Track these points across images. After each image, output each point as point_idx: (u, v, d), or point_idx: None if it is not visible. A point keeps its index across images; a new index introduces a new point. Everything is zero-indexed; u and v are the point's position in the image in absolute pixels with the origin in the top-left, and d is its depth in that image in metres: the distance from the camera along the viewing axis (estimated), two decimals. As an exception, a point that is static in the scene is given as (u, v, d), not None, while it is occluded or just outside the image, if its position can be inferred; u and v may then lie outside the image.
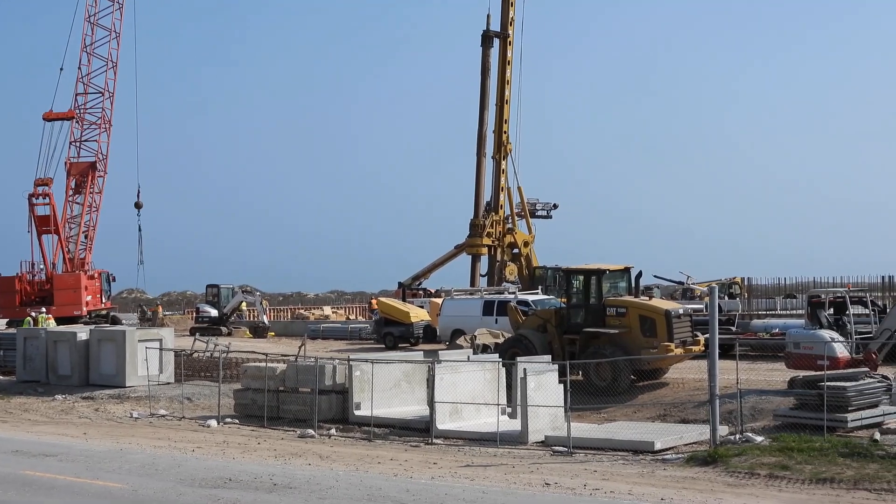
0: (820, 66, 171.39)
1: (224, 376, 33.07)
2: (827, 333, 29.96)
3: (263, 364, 31.77)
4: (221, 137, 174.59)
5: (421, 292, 66.34)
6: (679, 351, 32.28)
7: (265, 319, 64.03)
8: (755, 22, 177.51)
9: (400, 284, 69.16)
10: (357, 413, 29.08)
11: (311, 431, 27.88)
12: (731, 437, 23.83)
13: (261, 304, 65.80)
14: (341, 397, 29.73)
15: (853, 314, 34.11)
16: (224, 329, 61.80)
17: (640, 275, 35.56)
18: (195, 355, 41.20)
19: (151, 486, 19.92)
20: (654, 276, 64.89)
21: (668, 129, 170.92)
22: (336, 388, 29.79)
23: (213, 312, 64.16)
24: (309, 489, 19.38)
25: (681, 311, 33.64)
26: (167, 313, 76.85)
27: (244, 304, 66.09)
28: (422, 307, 54.68)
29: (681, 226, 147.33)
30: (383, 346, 50.09)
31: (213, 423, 29.88)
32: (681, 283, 65.49)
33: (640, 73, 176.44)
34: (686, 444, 23.80)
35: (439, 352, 33.45)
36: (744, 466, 20.83)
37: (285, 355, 35.28)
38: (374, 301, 65.27)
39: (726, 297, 54.95)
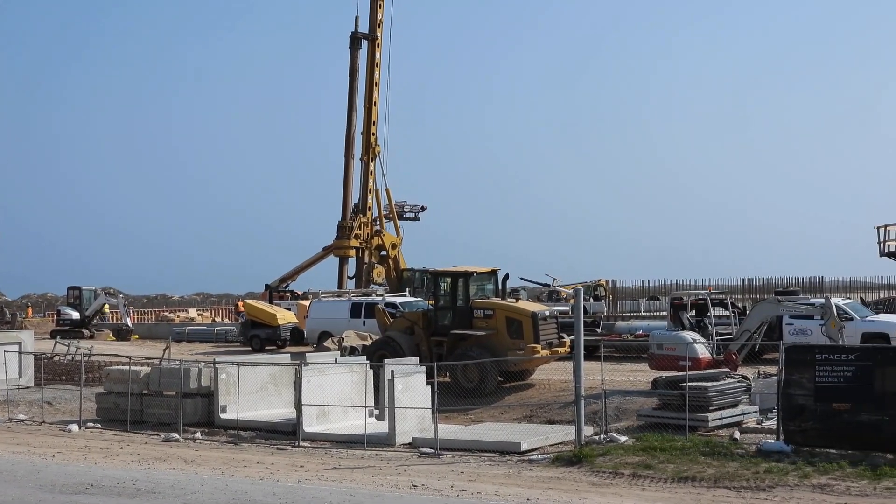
0: (700, 69, 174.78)
1: (86, 380, 32.44)
2: (689, 335, 30.53)
3: (127, 367, 31.21)
4: (82, 137, 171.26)
5: (288, 294, 65.99)
6: (545, 352, 32.59)
7: (129, 322, 62.95)
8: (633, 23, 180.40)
9: (267, 286, 68.62)
10: (223, 416, 28.75)
11: (175, 435, 27.49)
12: (596, 438, 24.12)
13: (124, 306, 64.70)
14: (207, 400, 29.36)
15: (714, 316, 34.85)
16: (86, 332, 60.62)
17: (506, 277, 35.84)
18: (56, 359, 40.33)
19: (9, 493, 19.38)
20: (521, 279, 65.53)
21: (535, 131, 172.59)
22: (201, 392, 29.40)
23: (75, 315, 62.87)
24: (173, 494, 19.07)
25: (547, 313, 33.97)
26: (22, 316, 74.81)
27: (107, 306, 64.85)
28: (289, 309, 54.41)
29: (545, 229, 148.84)
30: (250, 348, 49.68)
31: (75, 427, 29.25)
32: (547, 285, 66.18)
33: (506, 75, 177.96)
34: (552, 445, 24.02)
35: (306, 354, 33.27)
36: (608, 466, 21.10)
37: (149, 358, 34.69)
38: (240, 303, 64.60)
39: (591, 299, 55.70)
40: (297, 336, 49.72)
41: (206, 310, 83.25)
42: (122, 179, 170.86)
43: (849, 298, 43.51)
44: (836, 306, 30.01)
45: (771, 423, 24.06)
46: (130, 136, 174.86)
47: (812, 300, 35.05)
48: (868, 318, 36.30)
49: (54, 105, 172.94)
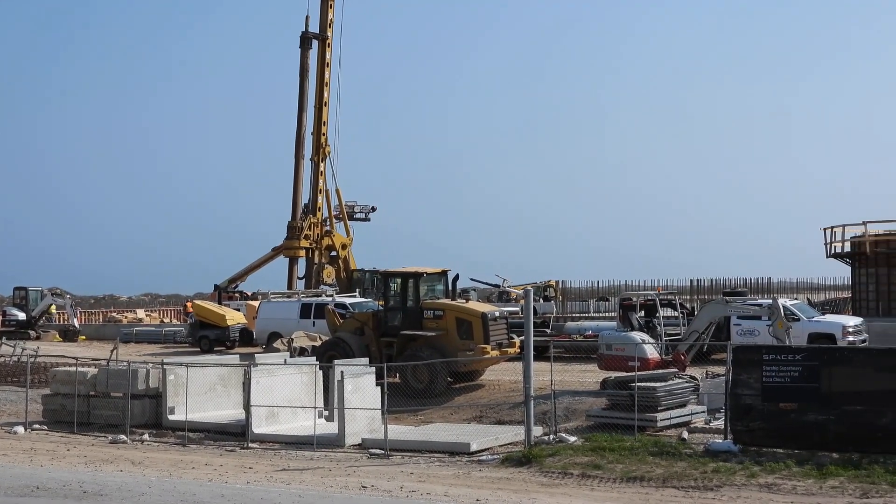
0: (649, 71, 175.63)
1: (32, 381, 32.12)
2: (638, 335, 30.68)
3: (73, 368, 30.98)
4: (35, 134, 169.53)
5: (237, 295, 65.62)
6: (495, 353, 32.62)
7: (76, 323, 62.29)
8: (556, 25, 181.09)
9: (216, 287, 68.25)
10: (171, 418, 28.58)
11: (123, 437, 27.29)
12: (546, 438, 24.18)
13: (71, 306, 63.99)
14: (155, 402, 29.17)
15: (663, 316, 35.02)
16: (32, 333, 59.91)
17: (456, 278, 35.88)
18: (1, 360, 39.89)
19: (-47, 495, 19.19)
20: (471, 279, 65.63)
21: (486, 132, 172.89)
22: (149, 393, 29.21)
23: (21, 316, 62.10)
24: (120, 496, 18.93)
25: (497, 314, 34.00)
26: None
27: (53, 307, 64.18)
28: (238, 310, 54.14)
29: (495, 230, 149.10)
30: (198, 349, 49.31)
31: (21, 429, 28.96)
32: (497, 285, 66.24)
33: (458, 75, 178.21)
34: (502, 445, 24.07)
35: (256, 355, 33.09)
36: (557, 466, 21.16)
37: (97, 359, 34.41)
38: (189, 304, 64.24)
39: (541, 300, 55.80)
40: (246, 337, 49.45)
41: (155, 310, 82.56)
42: (73, 179, 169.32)
43: (796, 299, 43.87)
44: (784, 307, 30.29)
45: (719, 423, 24.22)
46: (77, 135, 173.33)
47: (760, 301, 35.32)
48: (815, 319, 36.62)
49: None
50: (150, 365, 30.55)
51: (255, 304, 51.90)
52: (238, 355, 35.49)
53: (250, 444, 25.75)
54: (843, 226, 49.69)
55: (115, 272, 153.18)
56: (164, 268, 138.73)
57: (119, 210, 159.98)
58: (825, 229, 50.56)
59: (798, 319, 34.66)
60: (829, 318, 38.42)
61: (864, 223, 48.43)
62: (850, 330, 35.59)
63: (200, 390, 28.95)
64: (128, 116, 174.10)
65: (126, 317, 73.79)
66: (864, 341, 35.76)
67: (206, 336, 50.33)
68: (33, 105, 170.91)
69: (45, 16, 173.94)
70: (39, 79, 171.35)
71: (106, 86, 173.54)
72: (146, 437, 27.58)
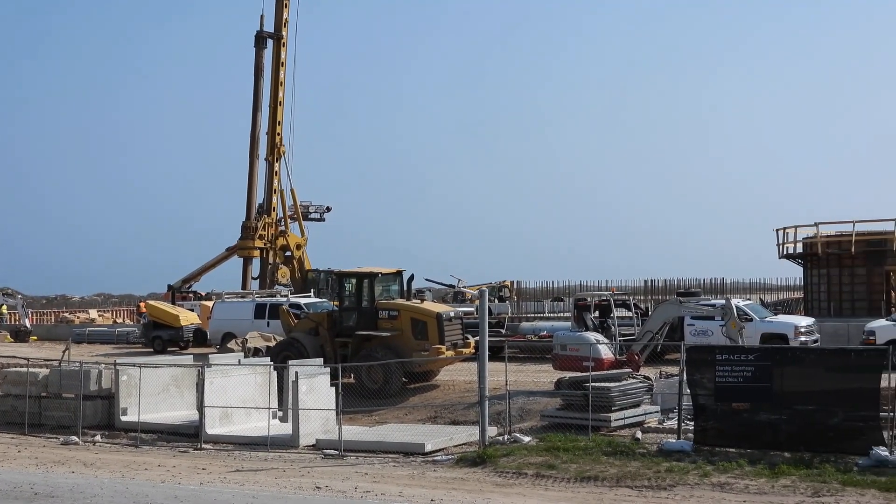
0: (601, 73, 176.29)
1: (-18, 382, 31.80)
2: (592, 335, 30.77)
3: (25, 369, 30.71)
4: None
5: (191, 295, 65.35)
6: (450, 353, 32.63)
7: (27, 323, 61.80)
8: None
9: (169, 287, 67.94)
10: (124, 419, 28.39)
11: (75, 438, 27.08)
12: (500, 438, 24.21)
13: (22, 307, 63.49)
14: (107, 403, 28.97)
15: (617, 317, 35.15)
16: (-17, 334, 59.47)
17: (412, 278, 35.86)
18: (-49, 361, 39.47)
19: None
20: (426, 280, 65.61)
21: (442, 132, 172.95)
22: (102, 394, 29.01)
23: (-29, 316, 61.68)
24: (72, 498, 18.78)
25: (452, 314, 34.00)
26: None
27: (4, 307, 63.71)
28: (192, 310, 53.87)
29: (451, 230, 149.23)
30: (152, 350, 49.05)
31: (-29, 431, 28.72)
32: (452, 286, 66.27)
33: (413, 75, 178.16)
34: (456, 446, 24.07)
35: (210, 355, 32.90)
36: (512, 466, 21.18)
37: (48, 360, 34.15)
38: (142, 304, 63.80)
39: (496, 301, 55.84)
40: (200, 337, 49.22)
41: (108, 311, 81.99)
42: (25, 178, 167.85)
43: (749, 300, 44.15)
44: (737, 307, 30.45)
45: (672, 423, 24.32)
46: (27, 134, 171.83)
47: (713, 301, 35.53)
48: (767, 319, 36.88)
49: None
50: (103, 365, 30.32)
51: (209, 304, 51.67)
52: (192, 356, 35.33)
53: (204, 445, 25.62)
54: (796, 227, 50.09)
55: (67, 272, 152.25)
56: (117, 268, 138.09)
57: (72, 209, 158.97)
58: (778, 230, 50.98)
59: (751, 320, 34.90)
60: (782, 318, 38.70)
61: (816, 224, 48.85)
62: (802, 330, 35.87)
63: (154, 391, 28.77)
64: (80, 114, 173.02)
65: (78, 317, 73.27)
66: (815, 341, 36.06)
67: (160, 336, 50.06)
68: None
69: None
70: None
71: (60, 83, 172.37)
72: (98, 438, 27.38)
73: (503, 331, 41.61)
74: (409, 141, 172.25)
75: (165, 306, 53.97)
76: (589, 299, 37.41)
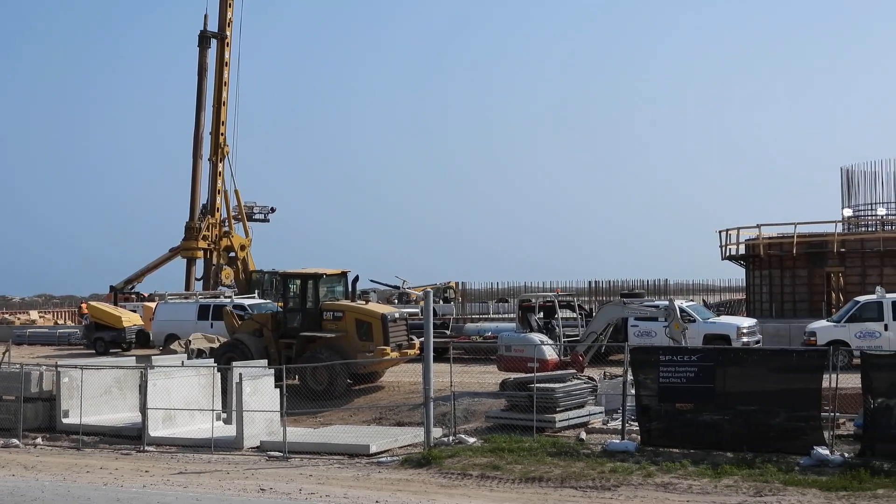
0: (552, 74, 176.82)
1: (-80, 385, 31.32)
2: (537, 336, 30.87)
3: (-36, 371, 30.29)
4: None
5: (134, 296, 64.83)
6: (395, 354, 32.61)
7: (-34, 324, 61.15)
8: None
9: (112, 288, 67.35)
10: (65, 421, 28.11)
11: (15, 441, 26.77)
12: (445, 439, 24.22)
13: (-38, 308, 62.85)
14: (49, 405, 28.68)
15: (562, 318, 35.27)
16: (-79, 336, 58.64)
17: (356, 279, 35.75)
18: None
19: None
20: (371, 281, 65.53)
21: (386, 133, 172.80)
22: (43, 396, 28.71)
23: None
24: (13, 501, 18.58)
25: (397, 315, 33.97)
26: None
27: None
28: (134, 311, 53.44)
29: (396, 231, 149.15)
30: (94, 351, 48.65)
31: None
32: (397, 287, 66.27)
33: (359, 76, 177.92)
34: (401, 447, 24.05)
35: (152, 357, 32.64)
36: (457, 467, 21.20)
37: (-12, 362, 33.71)
38: (84, 305, 63.20)
39: (441, 302, 55.95)
40: (142, 339, 48.86)
41: (49, 312, 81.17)
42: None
43: (692, 301, 44.53)
44: (680, 308, 30.70)
45: (616, 424, 24.45)
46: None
47: (656, 302, 35.77)
48: (710, 320, 37.18)
49: None
50: (44, 367, 30.02)
51: (152, 305, 51.25)
52: (134, 357, 35.05)
53: (147, 448, 25.42)
54: (738, 228, 50.58)
55: (7, 273, 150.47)
56: (58, 268, 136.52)
57: (12, 209, 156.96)
58: (720, 232, 51.45)
59: (694, 321, 35.17)
60: (724, 319, 39.03)
61: (759, 226, 49.35)
62: (745, 331, 36.20)
63: (96, 393, 28.52)
64: (19, 113, 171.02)
65: (19, 318, 72.42)
66: (758, 342, 36.41)
67: (102, 338, 49.64)
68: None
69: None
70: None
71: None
72: (39, 440, 27.09)
73: (448, 332, 41.65)
74: (354, 142, 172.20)
75: (108, 307, 53.52)
76: (533, 300, 37.51)
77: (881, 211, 53.15)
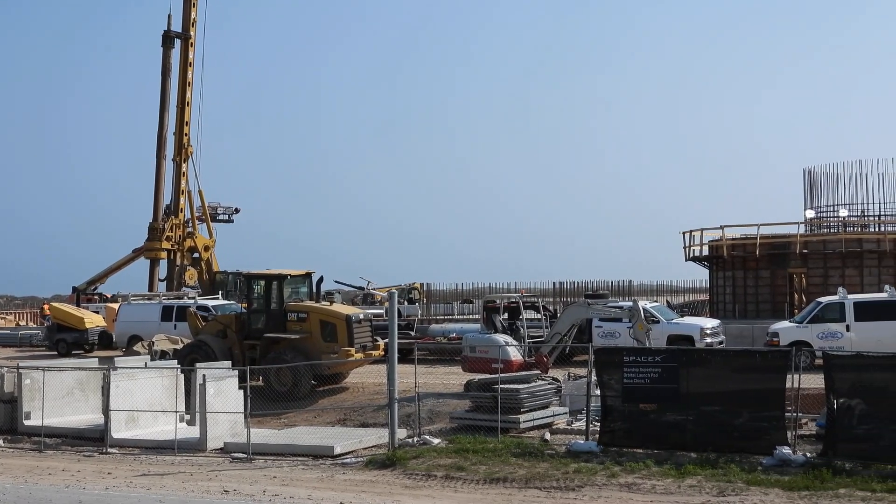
0: (516, 75, 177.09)
1: None
2: (501, 337, 30.92)
3: (-76, 373, 30.02)
4: None
5: (97, 297, 64.44)
6: (359, 355, 32.57)
7: (-73, 326, 60.64)
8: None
9: (74, 289, 66.94)
10: (27, 423, 27.91)
11: (-24, 443, 26.60)
12: (410, 440, 24.20)
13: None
14: (10, 407, 28.47)
15: (526, 319, 35.33)
16: None
17: (321, 280, 35.69)
18: None
19: None
20: (336, 282, 65.33)
21: (352, 133, 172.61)
22: (4, 398, 28.52)
23: None
24: (-27, 504, 18.45)
25: (361, 316, 33.94)
26: None
27: None
28: (97, 312, 53.10)
29: (360, 232, 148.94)
30: (56, 352, 48.31)
31: None
32: (361, 288, 66.15)
33: (326, 76, 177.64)
34: (366, 448, 24.02)
35: (115, 358, 32.44)
36: (421, 468, 21.19)
37: (-51, 363, 33.46)
38: (46, 306, 62.79)
39: (406, 303, 55.86)
40: (105, 340, 48.57)
41: (10, 313, 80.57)
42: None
43: (655, 302, 44.73)
44: (644, 309, 30.80)
45: (580, 424, 24.48)
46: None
47: (620, 303, 35.87)
48: (674, 321, 37.36)
49: None
50: (6, 369, 29.78)
51: (115, 306, 50.99)
52: (97, 359, 34.84)
53: (109, 450, 25.28)
54: (702, 230, 50.86)
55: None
56: (20, 269, 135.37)
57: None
58: (684, 233, 51.70)
59: (658, 321, 35.32)
60: (688, 320, 39.23)
61: (722, 227, 49.62)
62: (708, 332, 36.39)
63: (58, 395, 28.36)
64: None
65: (-20, 320, 71.94)
66: (721, 343, 36.61)
67: (64, 339, 49.29)
68: None
69: None
70: None
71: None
72: (1, 442, 26.90)
73: (413, 333, 41.63)
74: (319, 143, 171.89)
75: (70, 308, 53.12)
76: (498, 301, 37.56)
77: (843, 212, 53.52)
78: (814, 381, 23.07)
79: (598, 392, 23.21)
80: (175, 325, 43.36)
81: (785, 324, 35.90)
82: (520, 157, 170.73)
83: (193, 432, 25.76)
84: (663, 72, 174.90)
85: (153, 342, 39.45)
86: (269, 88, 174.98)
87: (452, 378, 32.08)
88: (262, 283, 34.85)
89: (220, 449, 24.78)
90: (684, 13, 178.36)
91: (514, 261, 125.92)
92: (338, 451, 23.48)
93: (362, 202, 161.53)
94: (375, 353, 33.22)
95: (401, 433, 24.12)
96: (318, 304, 34.22)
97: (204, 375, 25.78)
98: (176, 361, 31.68)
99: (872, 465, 19.56)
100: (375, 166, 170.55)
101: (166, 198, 67.05)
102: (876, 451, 19.89)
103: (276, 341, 33.14)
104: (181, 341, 38.90)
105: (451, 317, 51.10)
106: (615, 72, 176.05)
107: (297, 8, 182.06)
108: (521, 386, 25.39)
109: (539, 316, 37.56)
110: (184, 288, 62.92)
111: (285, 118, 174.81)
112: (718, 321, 39.39)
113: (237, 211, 75.14)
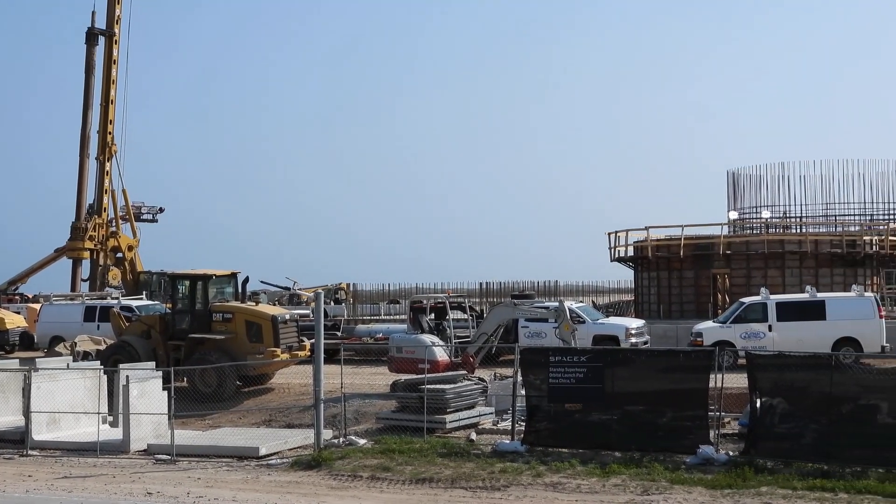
0: (453, 74, 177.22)
1: None
2: (428, 338, 30.95)
3: None
4: None
5: (17, 297, 63.60)
6: (285, 356, 32.42)
7: None
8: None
9: (-6, 289, 66.03)
10: (-55, 426, 27.47)
11: None
12: (336, 441, 24.12)
13: None
14: (-73, 409, 27.99)
15: (452, 319, 35.38)
16: None
17: (246, 280, 35.52)
18: None
19: None
20: (262, 282, 65.12)
21: (282, 132, 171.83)
22: (-78, 400, 28.03)
23: None
24: None
25: (287, 317, 33.80)
26: None
27: None
28: (18, 313, 52.39)
29: (286, 231, 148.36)
30: (-24, 354, 47.59)
31: None
32: (287, 288, 65.91)
33: (255, 72, 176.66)
34: (291, 449, 23.91)
35: (37, 359, 32.03)
36: (347, 469, 21.14)
37: None
38: (-35, 307, 61.89)
39: (332, 303, 55.78)
40: (26, 341, 47.94)
41: (-72, 314, 79.25)
42: None
43: (581, 302, 45.02)
44: (570, 309, 30.93)
45: (506, 424, 24.57)
46: None
47: (546, 304, 36.00)
48: (599, 321, 37.61)
49: None
50: (-77, 370, 29.29)
51: (37, 306, 50.36)
52: (18, 360, 34.35)
53: (30, 452, 24.93)
54: (627, 231, 51.27)
55: None
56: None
57: None
58: (610, 234, 52.07)
59: (583, 322, 35.52)
60: (613, 320, 39.53)
61: (647, 228, 50.06)
62: (633, 332, 36.67)
63: (-23, 396, 27.92)
64: None
65: None
66: (646, 343, 36.92)
67: (-15, 340, 48.56)
68: None
69: None
70: None
71: None
72: (-84, 447, 26.44)
73: (339, 333, 41.57)
74: (245, 142, 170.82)
75: (-10, 309, 52.38)
76: (425, 302, 37.60)
77: (765, 214, 54.29)
78: (737, 381, 23.33)
79: (523, 392, 23.30)
80: (98, 326, 42.92)
81: (708, 324, 36.29)
82: (447, 156, 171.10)
83: (116, 434, 25.49)
84: (592, 73, 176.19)
85: (76, 343, 39.01)
86: (199, 84, 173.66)
87: (379, 378, 32.05)
88: (187, 283, 34.58)
89: (144, 451, 24.54)
90: (617, 14, 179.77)
91: (441, 261, 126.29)
92: (263, 452, 23.36)
93: (289, 202, 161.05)
94: (301, 353, 33.09)
95: (327, 434, 24.04)
96: (243, 305, 34.03)
97: (127, 376, 25.50)
98: (99, 362, 31.35)
99: (793, 464, 19.82)
100: (302, 166, 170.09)
101: (89, 197, 66.30)
102: (797, 450, 20.16)
103: (201, 342, 32.90)
104: (104, 342, 38.52)
105: (377, 317, 51.16)
106: (544, 73, 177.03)
107: (223, 4, 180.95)
108: (447, 386, 25.42)
109: (466, 316, 37.62)
110: (107, 288, 62.29)
111: (211, 117, 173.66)
112: (643, 321, 39.72)
113: (161, 210, 74.52)
